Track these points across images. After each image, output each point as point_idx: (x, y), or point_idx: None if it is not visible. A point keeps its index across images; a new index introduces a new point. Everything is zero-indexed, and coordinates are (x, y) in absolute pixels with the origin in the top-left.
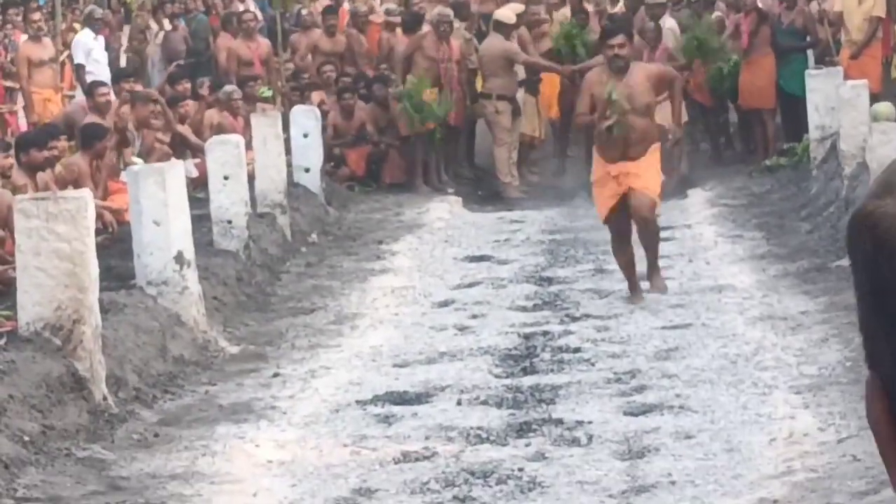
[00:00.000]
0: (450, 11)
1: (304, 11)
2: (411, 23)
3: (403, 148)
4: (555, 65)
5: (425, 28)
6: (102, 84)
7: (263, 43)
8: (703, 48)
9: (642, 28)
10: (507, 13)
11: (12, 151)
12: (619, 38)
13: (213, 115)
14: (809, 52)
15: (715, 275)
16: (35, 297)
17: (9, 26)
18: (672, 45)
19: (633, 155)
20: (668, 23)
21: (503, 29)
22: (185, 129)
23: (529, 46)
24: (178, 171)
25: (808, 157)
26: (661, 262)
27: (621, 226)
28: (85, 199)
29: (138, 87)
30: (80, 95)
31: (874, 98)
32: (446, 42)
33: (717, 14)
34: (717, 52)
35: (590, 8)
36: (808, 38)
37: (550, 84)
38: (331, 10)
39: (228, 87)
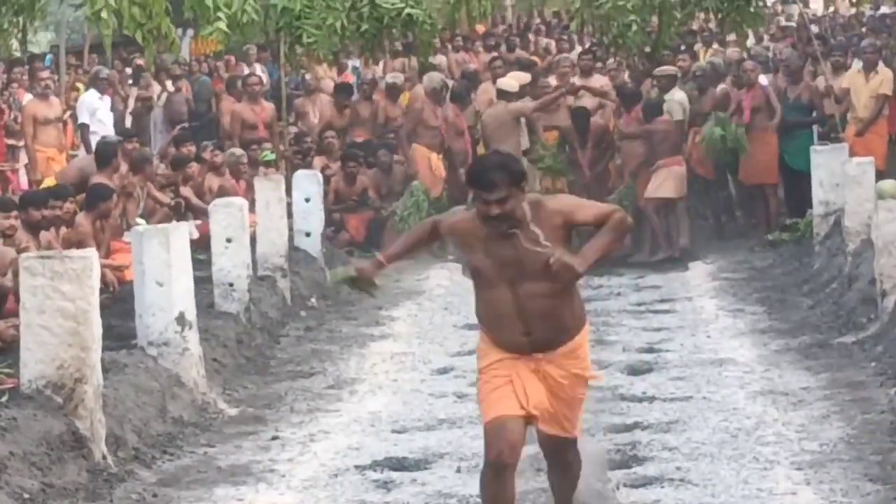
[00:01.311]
0: (443, 77)
1: (307, 76)
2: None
3: None
4: (557, 93)
5: (421, 95)
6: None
7: (268, 107)
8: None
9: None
10: (510, 82)
11: (15, 211)
12: (500, 192)
13: (215, 178)
14: (814, 128)
15: (716, 348)
16: (38, 354)
17: (14, 85)
18: (680, 117)
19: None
20: (677, 95)
21: (506, 98)
22: (187, 192)
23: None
24: (181, 232)
25: (811, 233)
26: (662, 334)
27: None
28: (90, 259)
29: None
30: (82, 155)
31: (879, 175)
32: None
33: (721, 87)
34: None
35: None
36: (814, 114)
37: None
38: (343, 90)
39: (237, 151)
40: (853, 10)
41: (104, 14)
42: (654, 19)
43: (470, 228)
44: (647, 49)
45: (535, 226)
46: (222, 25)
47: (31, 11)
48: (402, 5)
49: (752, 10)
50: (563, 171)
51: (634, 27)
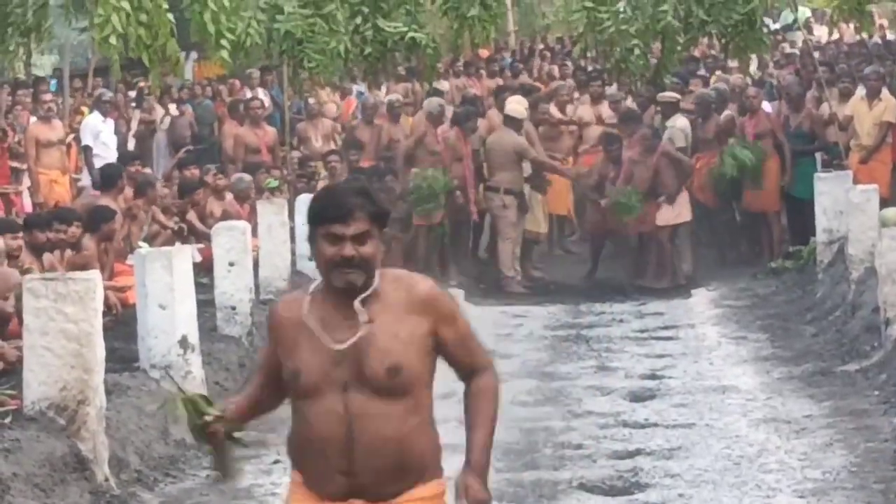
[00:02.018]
0: (442, 101)
1: (311, 101)
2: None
3: (407, 240)
4: (560, 167)
5: (422, 118)
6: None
7: (270, 131)
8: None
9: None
10: (518, 108)
11: (21, 233)
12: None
13: (218, 202)
14: (818, 155)
15: (718, 375)
16: (41, 376)
17: (18, 107)
18: (682, 144)
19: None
20: (679, 122)
21: (514, 123)
22: (191, 216)
23: (537, 144)
24: (185, 255)
25: (814, 261)
26: (664, 361)
27: None
28: (94, 281)
29: (146, 171)
30: (86, 178)
31: (883, 203)
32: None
33: (726, 113)
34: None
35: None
36: (817, 142)
37: (559, 180)
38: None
39: (245, 177)
40: (858, 37)
41: (112, 39)
42: (657, 44)
43: (295, 312)
44: (649, 74)
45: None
46: (225, 54)
47: (38, 33)
48: (406, 29)
49: (755, 35)
50: (635, 210)
51: (637, 52)
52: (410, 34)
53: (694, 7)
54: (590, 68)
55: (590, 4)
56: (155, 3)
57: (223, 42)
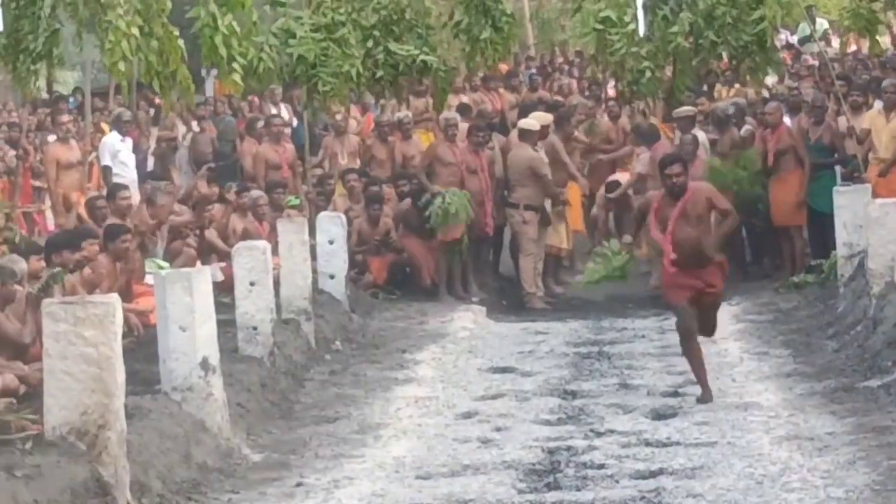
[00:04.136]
0: (455, 115)
1: (338, 117)
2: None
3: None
4: (578, 175)
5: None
6: (124, 187)
7: (289, 148)
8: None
9: (681, 140)
10: (530, 121)
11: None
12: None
13: (238, 220)
14: (837, 168)
15: (740, 392)
16: (61, 401)
17: (40, 125)
18: (704, 157)
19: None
20: (699, 136)
21: (528, 137)
22: (211, 234)
23: (562, 153)
24: (204, 276)
25: (835, 275)
26: (686, 377)
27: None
28: (113, 304)
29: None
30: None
31: None
32: (473, 146)
33: (746, 128)
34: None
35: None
36: (836, 155)
37: (576, 197)
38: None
39: (255, 193)
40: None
41: (122, 65)
42: (669, 66)
43: None
44: (663, 96)
45: None
46: (237, 77)
47: (50, 59)
48: (417, 52)
49: (766, 55)
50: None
51: (648, 74)
52: (422, 57)
53: (704, 29)
54: (611, 91)
55: (600, 27)
56: (166, 30)
57: (235, 66)
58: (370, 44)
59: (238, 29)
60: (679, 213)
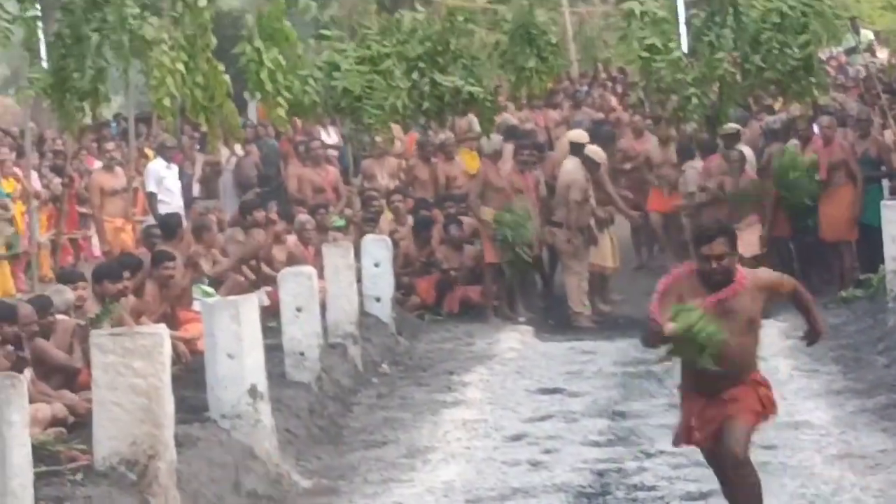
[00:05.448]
0: (499, 139)
1: (378, 139)
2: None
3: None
4: (623, 206)
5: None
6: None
7: (332, 170)
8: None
9: (726, 155)
10: (580, 133)
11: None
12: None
13: (283, 245)
14: (884, 182)
15: (791, 410)
16: (111, 431)
17: (83, 152)
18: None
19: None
20: (746, 152)
21: (578, 150)
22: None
23: (607, 185)
24: (252, 304)
25: (884, 289)
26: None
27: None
28: (161, 335)
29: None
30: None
31: None
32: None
33: (793, 141)
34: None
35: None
36: (883, 168)
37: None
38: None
39: (302, 218)
40: None
41: (167, 101)
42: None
43: None
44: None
45: None
46: (282, 112)
47: (96, 96)
48: (462, 83)
49: (813, 79)
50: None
51: (694, 100)
52: (468, 88)
53: (750, 54)
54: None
55: (646, 55)
56: (211, 65)
57: (280, 100)
58: (415, 75)
59: (283, 62)
60: (717, 312)
